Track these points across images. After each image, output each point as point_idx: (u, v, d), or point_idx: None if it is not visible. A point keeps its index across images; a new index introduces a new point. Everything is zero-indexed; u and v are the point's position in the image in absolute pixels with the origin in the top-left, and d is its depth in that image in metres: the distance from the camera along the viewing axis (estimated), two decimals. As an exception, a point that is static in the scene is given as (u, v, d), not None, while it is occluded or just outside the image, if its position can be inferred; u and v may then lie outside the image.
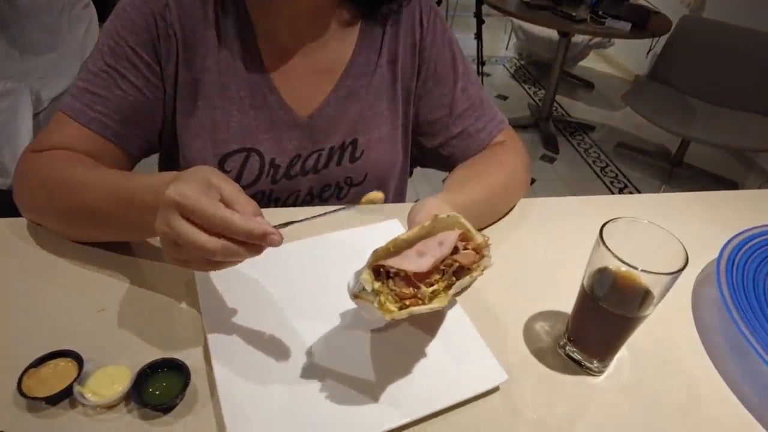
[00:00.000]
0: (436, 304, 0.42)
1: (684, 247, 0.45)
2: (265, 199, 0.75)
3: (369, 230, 0.66)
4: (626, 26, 2.50)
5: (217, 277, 0.57)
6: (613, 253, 0.44)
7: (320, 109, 0.73)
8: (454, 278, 0.45)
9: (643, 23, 2.55)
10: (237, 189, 0.45)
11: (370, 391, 0.48)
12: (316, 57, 0.72)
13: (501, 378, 0.49)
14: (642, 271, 0.43)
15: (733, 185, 2.77)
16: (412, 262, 0.43)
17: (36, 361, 0.47)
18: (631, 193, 2.63)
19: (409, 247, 0.45)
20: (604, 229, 0.46)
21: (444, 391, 0.48)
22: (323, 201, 0.79)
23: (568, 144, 3.01)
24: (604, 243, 0.45)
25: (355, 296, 0.44)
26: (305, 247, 0.63)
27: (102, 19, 2.71)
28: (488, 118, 0.78)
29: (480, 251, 0.47)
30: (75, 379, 0.45)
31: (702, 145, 2.50)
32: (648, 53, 3.31)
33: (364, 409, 0.46)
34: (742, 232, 0.66)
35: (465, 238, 0.47)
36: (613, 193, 2.60)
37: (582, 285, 0.49)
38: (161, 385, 0.46)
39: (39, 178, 0.60)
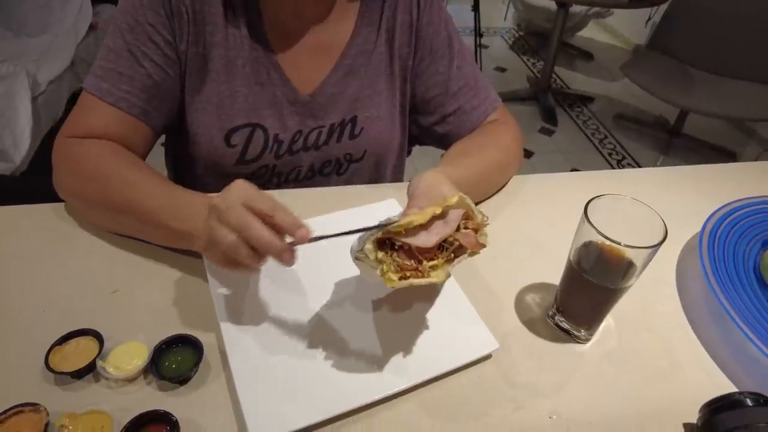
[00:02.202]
0: (434, 279, 0.45)
1: (663, 221, 0.48)
2: (269, 174, 0.78)
3: (368, 209, 0.69)
4: (625, -5, 2.47)
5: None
6: (596, 229, 0.47)
7: (321, 87, 0.75)
8: (453, 255, 0.48)
9: (642, -8, 2.52)
10: (276, 204, 0.48)
11: (371, 359, 0.51)
12: (318, 36, 0.73)
13: (493, 346, 0.52)
14: (624, 245, 0.46)
15: (731, 155, 2.78)
16: (419, 238, 0.46)
17: (60, 339, 0.50)
18: (629, 164, 2.65)
19: (422, 229, 0.47)
20: (589, 206, 0.49)
21: (440, 358, 0.51)
22: (324, 176, 0.82)
23: (567, 116, 3.01)
24: (588, 219, 0.47)
25: (356, 258, 0.47)
26: (320, 224, 0.65)
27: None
28: (483, 96, 0.80)
29: (479, 230, 0.49)
30: (97, 355, 0.49)
31: (701, 115, 2.50)
32: (647, 23, 3.28)
33: (366, 376, 0.50)
34: (726, 205, 0.68)
35: (466, 216, 0.50)
36: (611, 165, 2.62)
37: (569, 259, 0.52)
38: (176, 359, 0.50)
39: (88, 169, 0.62)
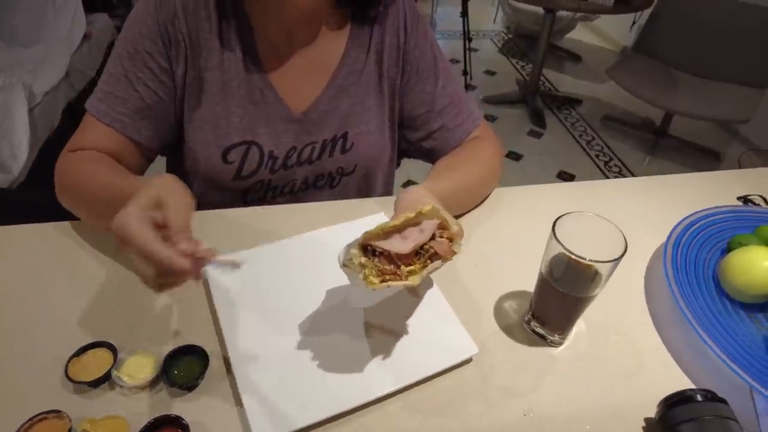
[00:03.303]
0: (410, 282, 0.50)
1: (624, 237, 0.53)
2: (264, 188, 0.83)
3: (358, 224, 0.74)
4: (610, 1, 2.53)
5: (226, 273, 0.64)
6: (562, 245, 0.52)
7: (314, 105, 0.79)
8: (428, 261, 0.53)
9: (627, -3, 2.58)
10: (179, 209, 0.50)
11: (362, 364, 0.56)
12: (310, 57, 0.78)
13: (473, 350, 0.58)
14: (588, 260, 0.51)
15: (715, 155, 2.85)
16: (396, 244, 0.51)
17: (78, 351, 0.55)
18: (616, 165, 2.71)
19: (396, 233, 0.52)
20: (557, 223, 0.54)
21: (426, 362, 0.57)
22: (317, 189, 0.87)
23: (555, 118, 3.07)
24: (555, 236, 0.53)
25: (343, 265, 0.52)
26: (302, 241, 0.71)
27: (87, 8, 2.71)
28: (466, 114, 0.85)
29: (453, 240, 0.54)
30: (112, 366, 0.53)
31: (685, 117, 2.57)
32: (632, 26, 3.34)
33: (358, 380, 0.55)
34: (691, 215, 0.74)
35: (442, 226, 0.55)
36: (598, 167, 2.68)
37: (540, 270, 0.58)
38: (184, 367, 0.54)
39: (67, 176, 0.69)
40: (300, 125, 0.79)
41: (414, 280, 0.50)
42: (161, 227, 0.49)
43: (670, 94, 2.54)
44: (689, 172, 2.66)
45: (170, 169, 0.90)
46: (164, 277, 0.48)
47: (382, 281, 0.49)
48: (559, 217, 0.55)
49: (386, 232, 0.52)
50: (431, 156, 0.88)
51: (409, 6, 0.81)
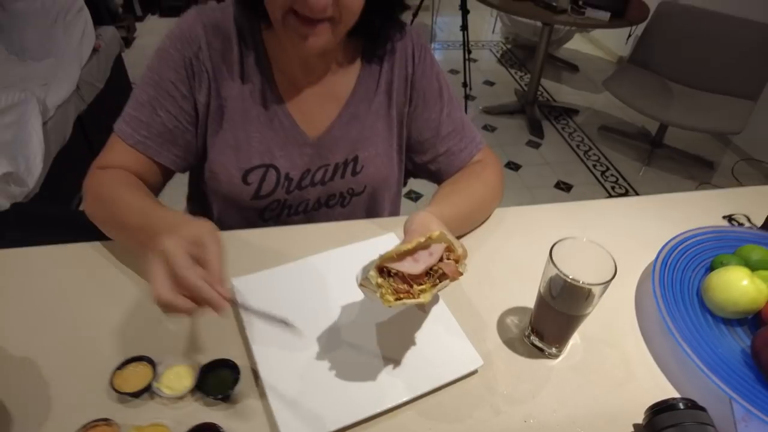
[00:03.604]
0: (422, 299, 0.56)
1: (614, 261, 0.59)
2: (280, 207, 0.88)
3: (371, 243, 0.80)
4: (605, 16, 2.61)
5: (253, 289, 0.70)
6: (558, 269, 0.58)
7: (327, 131, 0.86)
8: (438, 281, 0.59)
9: (622, 12, 2.65)
10: (219, 255, 0.56)
11: (378, 376, 0.62)
12: (324, 87, 0.84)
13: (478, 363, 0.63)
14: (582, 283, 0.57)
15: (709, 165, 2.92)
16: (409, 266, 0.57)
17: (120, 365, 0.60)
18: (613, 175, 2.77)
19: (408, 255, 0.59)
20: (554, 248, 0.60)
21: (436, 374, 0.62)
22: (329, 208, 0.93)
23: (553, 128, 3.14)
24: (552, 261, 0.59)
25: (361, 285, 0.58)
26: (322, 260, 0.76)
27: (95, 21, 2.77)
28: (469, 139, 0.91)
29: (459, 261, 0.61)
30: (153, 378, 0.59)
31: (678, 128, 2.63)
32: (627, 39, 3.42)
33: (372, 390, 0.61)
34: (678, 236, 0.80)
35: (449, 249, 0.61)
36: (595, 176, 2.75)
37: (539, 290, 0.63)
38: (218, 379, 0.60)
39: (99, 193, 0.75)
40: (314, 149, 0.86)
41: (425, 298, 0.57)
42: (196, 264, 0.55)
43: (665, 106, 2.61)
44: (684, 180, 2.72)
45: (193, 188, 0.96)
46: (183, 304, 0.54)
47: (397, 299, 0.55)
48: (556, 243, 0.60)
49: (400, 255, 0.58)
50: (436, 177, 0.94)
51: (416, 39, 0.87)
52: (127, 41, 3.86)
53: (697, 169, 2.87)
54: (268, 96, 0.82)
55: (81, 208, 0.78)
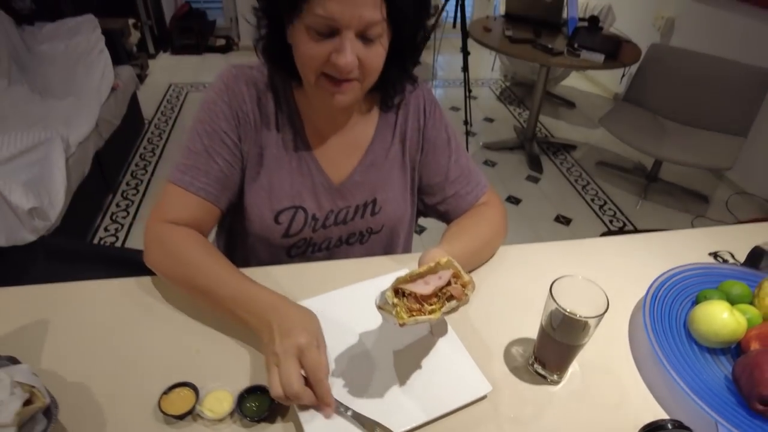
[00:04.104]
0: (432, 317, 0.64)
1: (607, 297, 0.67)
2: (306, 244, 0.97)
3: (387, 278, 0.87)
4: (600, 58, 2.74)
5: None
6: (558, 304, 0.65)
7: (349, 176, 0.95)
8: (446, 301, 0.67)
9: (615, 54, 2.79)
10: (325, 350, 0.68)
11: (393, 400, 0.69)
12: (347, 137, 0.94)
13: (487, 389, 0.70)
14: (579, 316, 0.65)
15: (703, 198, 3.01)
16: (420, 287, 0.66)
17: (167, 389, 0.67)
18: (610, 209, 2.86)
19: (420, 278, 0.67)
20: (553, 285, 0.68)
21: (447, 399, 0.69)
22: (349, 245, 1.01)
23: (552, 163, 3.25)
24: (552, 296, 0.66)
25: (379, 307, 0.66)
26: (343, 294, 0.84)
27: (113, 61, 2.91)
28: (475, 183, 1.00)
29: (465, 286, 0.68)
30: (196, 402, 0.66)
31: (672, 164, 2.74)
32: (622, 78, 3.56)
33: (390, 413, 0.67)
34: (667, 272, 0.87)
35: (456, 275, 0.69)
36: (594, 210, 2.83)
37: (541, 322, 0.71)
38: (254, 403, 0.67)
39: (171, 251, 0.81)
40: (338, 193, 0.95)
41: (435, 315, 0.65)
42: None
43: (658, 142, 2.72)
44: (680, 214, 2.80)
45: (227, 226, 1.04)
46: (309, 399, 0.64)
47: (410, 317, 0.63)
48: (555, 280, 0.68)
49: (413, 278, 0.66)
50: (445, 217, 1.02)
51: (427, 95, 0.97)
52: (141, 78, 4.02)
53: (692, 203, 2.97)
54: (299, 145, 0.91)
55: (144, 257, 0.84)
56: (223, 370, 0.72)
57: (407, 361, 0.75)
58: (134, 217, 2.55)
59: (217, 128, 0.86)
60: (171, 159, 3.06)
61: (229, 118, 0.86)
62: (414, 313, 0.64)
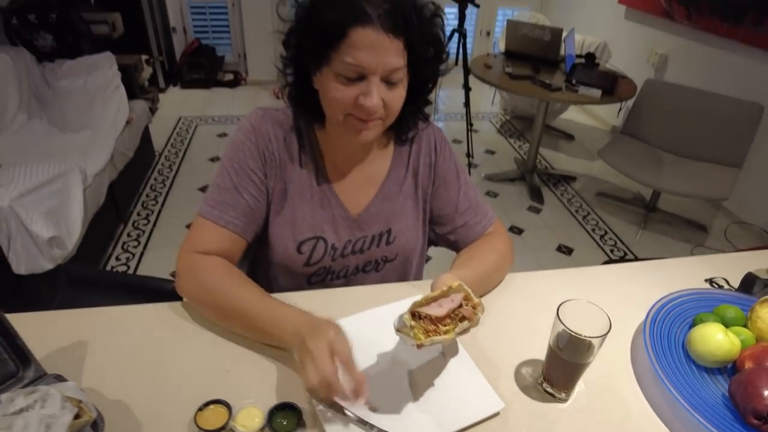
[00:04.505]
0: (447, 336, 0.71)
1: (609, 318, 0.73)
2: (325, 272, 1.03)
3: (401, 304, 0.93)
4: (597, 93, 2.86)
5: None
6: (564, 325, 0.71)
7: (366, 208, 1.02)
8: (458, 322, 0.73)
9: (612, 89, 2.91)
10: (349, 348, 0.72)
11: (410, 417, 0.74)
12: (364, 172, 1.02)
13: (500, 406, 0.75)
14: (583, 336, 0.70)
15: (702, 228, 3.07)
16: (434, 310, 0.72)
17: (202, 406, 0.72)
18: (611, 239, 2.92)
19: (434, 302, 0.74)
20: (560, 308, 0.74)
21: (462, 416, 0.74)
22: (365, 273, 1.07)
23: (552, 194, 3.33)
24: (559, 318, 0.72)
25: (397, 330, 0.72)
26: (363, 317, 0.90)
27: (128, 96, 3.02)
28: (482, 214, 1.07)
29: (476, 308, 0.74)
30: (229, 417, 0.71)
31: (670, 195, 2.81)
32: (619, 112, 3.68)
33: (405, 430, 0.72)
34: (664, 297, 0.93)
35: (467, 298, 0.75)
36: (595, 240, 2.89)
37: (549, 343, 0.76)
38: (284, 420, 0.72)
39: (203, 281, 0.86)
40: (355, 224, 1.01)
41: (449, 336, 0.71)
42: None
43: (656, 174, 2.80)
44: (680, 243, 2.86)
45: (251, 255, 1.10)
46: (342, 387, 0.68)
47: (426, 337, 0.70)
48: (562, 304, 0.74)
49: (427, 302, 0.73)
50: (455, 246, 1.09)
51: (437, 134, 1.05)
52: (151, 111, 4.14)
53: (691, 232, 3.03)
54: (320, 180, 0.99)
55: (176, 286, 0.90)
56: (253, 388, 0.77)
57: (423, 381, 0.80)
58: (145, 247, 2.62)
59: (245, 166, 0.93)
60: (181, 190, 3.14)
61: (256, 157, 0.94)
62: (430, 334, 0.70)
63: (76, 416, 0.65)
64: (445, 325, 0.72)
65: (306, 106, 0.93)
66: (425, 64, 0.88)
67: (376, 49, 0.79)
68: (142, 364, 0.80)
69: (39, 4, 2.92)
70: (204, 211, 0.92)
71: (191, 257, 0.90)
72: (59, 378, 0.74)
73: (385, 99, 0.83)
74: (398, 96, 0.86)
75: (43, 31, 2.94)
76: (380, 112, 0.84)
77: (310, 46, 0.83)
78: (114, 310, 0.90)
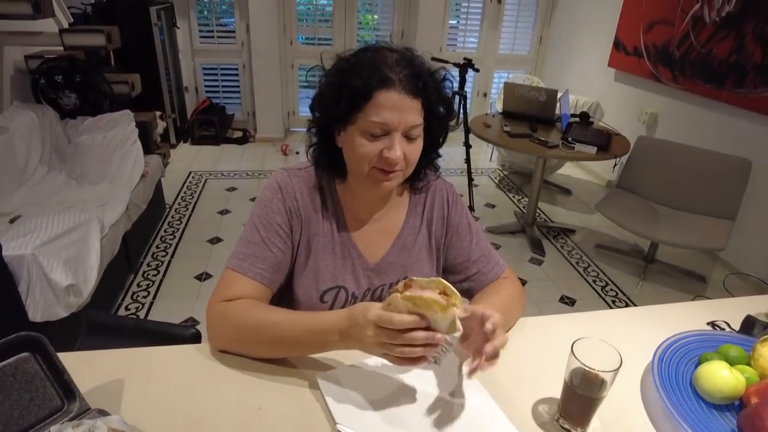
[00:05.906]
0: (455, 334, 0.76)
1: (620, 355, 0.78)
2: None
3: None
4: (592, 150, 2.99)
5: (335, 384, 0.87)
6: (579, 361, 0.77)
7: (384, 258, 1.08)
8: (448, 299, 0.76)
9: (606, 146, 3.05)
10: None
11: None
12: (381, 223, 1.09)
13: (520, 440, 0.79)
14: (597, 371, 0.76)
15: (700, 278, 3.13)
16: (428, 293, 0.76)
17: (237, 439, 0.76)
18: (612, 290, 2.97)
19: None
20: (574, 345, 0.79)
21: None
22: None
23: (553, 246, 3.40)
24: (574, 354, 0.78)
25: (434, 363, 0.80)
26: (380, 359, 0.94)
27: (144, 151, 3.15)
28: (494, 262, 1.14)
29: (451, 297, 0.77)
30: (265, 449, 0.75)
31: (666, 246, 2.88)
32: (614, 167, 3.82)
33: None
34: (670, 338, 0.98)
35: (444, 292, 0.77)
36: (596, 291, 2.94)
37: (564, 379, 0.81)
38: (316, 451, 0.76)
39: (240, 320, 0.92)
40: (374, 272, 1.08)
41: (453, 331, 0.76)
42: None
43: (652, 226, 2.89)
44: (679, 294, 2.90)
45: (274, 303, 1.15)
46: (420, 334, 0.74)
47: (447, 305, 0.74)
48: (575, 341, 0.80)
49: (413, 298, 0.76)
50: (468, 293, 1.15)
51: (449, 189, 1.15)
52: (163, 165, 4.28)
53: (690, 283, 3.08)
54: (342, 233, 1.06)
55: (210, 341, 0.95)
56: (284, 424, 0.81)
57: (444, 417, 0.84)
58: (155, 297, 2.65)
59: (273, 222, 1.00)
60: (190, 242, 3.21)
61: (283, 213, 1.01)
62: (446, 300, 0.74)
63: (123, 446, 0.69)
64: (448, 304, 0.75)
65: (328, 163, 1.02)
66: (438, 122, 0.98)
67: (399, 108, 0.89)
68: (176, 401, 0.84)
69: (66, 66, 3.11)
70: (233, 264, 0.99)
71: (221, 306, 0.94)
72: (102, 413, 0.78)
73: (406, 152, 0.93)
74: (417, 149, 0.95)
75: (68, 90, 3.10)
76: (402, 164, 0.93)
77: (338, 109, 0.93)
78: (145, 350, 0.95)
